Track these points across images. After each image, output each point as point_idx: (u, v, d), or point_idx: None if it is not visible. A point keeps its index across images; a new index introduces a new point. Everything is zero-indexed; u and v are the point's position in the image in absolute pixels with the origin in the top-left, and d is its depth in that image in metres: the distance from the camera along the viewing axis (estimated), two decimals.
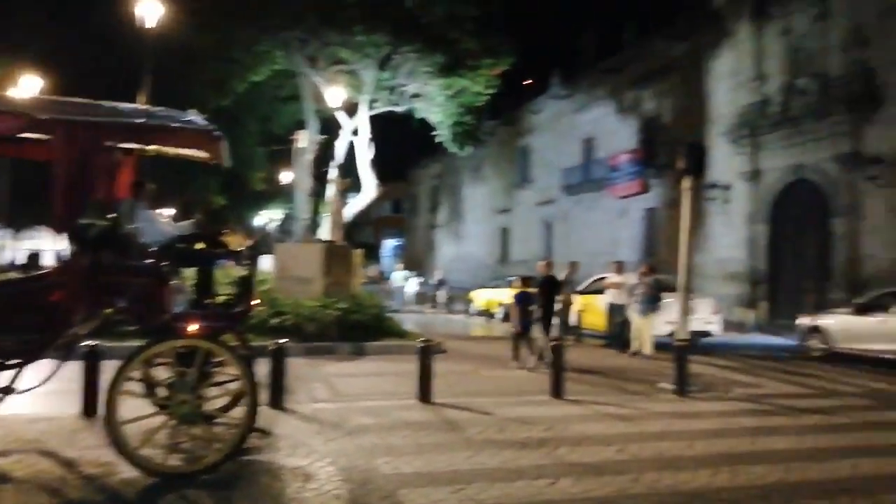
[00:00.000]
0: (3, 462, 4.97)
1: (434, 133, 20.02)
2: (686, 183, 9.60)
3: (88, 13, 23.21)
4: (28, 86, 16.69)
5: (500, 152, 40.05)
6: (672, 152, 24.64)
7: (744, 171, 21.57)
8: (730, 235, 22.33)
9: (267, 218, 41.02)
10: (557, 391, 8.21)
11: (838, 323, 12.93)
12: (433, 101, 18.90)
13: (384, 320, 13.04)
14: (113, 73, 20.45)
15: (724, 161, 21.56)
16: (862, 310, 12.70)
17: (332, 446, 5.71)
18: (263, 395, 6.31)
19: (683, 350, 8.76)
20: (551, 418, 7.05)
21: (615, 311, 13.69)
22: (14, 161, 18.15)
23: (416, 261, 47.79)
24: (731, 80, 22.79)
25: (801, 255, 20.07)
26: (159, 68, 14.92)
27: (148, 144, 5.49)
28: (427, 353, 7.88)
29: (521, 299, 10.96)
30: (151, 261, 5.02)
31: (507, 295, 20.14)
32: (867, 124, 17.83)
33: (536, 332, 10.74)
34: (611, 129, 29.63)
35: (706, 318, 13.56)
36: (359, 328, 11.99)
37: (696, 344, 12.64)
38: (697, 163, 9.65)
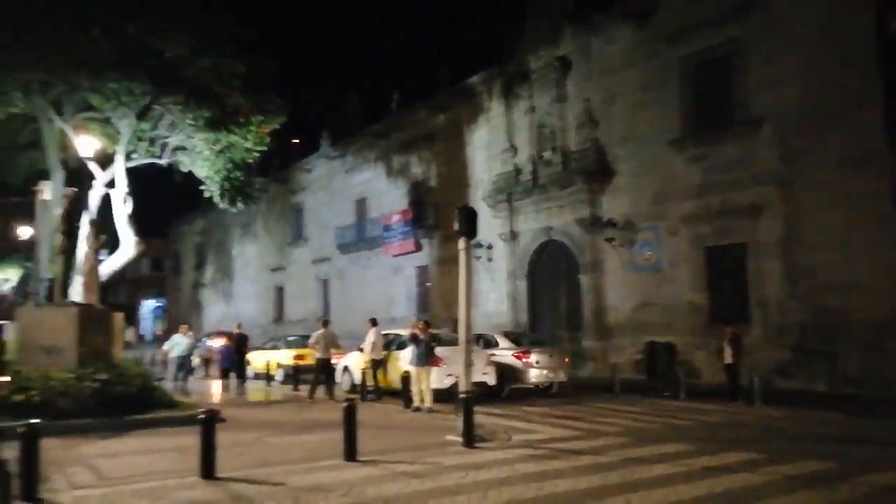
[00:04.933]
0: None
1: (202, 188, 19.07)
2: (461, 243, 10.22)
3: None
4: None
5: (273, 209, 39.29)
6: (440, 214, 26.27)
7: (503, 232, 23.51)
8: (495, 291, 24.07)
9: None
10: (351, 454, 8.06)
11: None
12: (199, 155, 18.00)
13: (152, 390, 11.86)
14: None
15: (486, 223, 23.25)
16: None
17: None
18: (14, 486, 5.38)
19: (469, 401, 9.13)
20: (347, 482, 6.90)
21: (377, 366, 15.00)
22: None
23: (180, 322, 44.56)
24: (487, 151, 24.93)
25: (556, 308, 22.23)
26: None
27: None
28: (209, 423, 7.33)
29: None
30: None
31: (286, 357, 19.72)
32: (601, 193, 20.50)
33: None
34: (382, 189, 30.62)
35: (482, 370, 14.27)
36: (123, 401, 10.76)
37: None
38: (470, 224, 10.32)
